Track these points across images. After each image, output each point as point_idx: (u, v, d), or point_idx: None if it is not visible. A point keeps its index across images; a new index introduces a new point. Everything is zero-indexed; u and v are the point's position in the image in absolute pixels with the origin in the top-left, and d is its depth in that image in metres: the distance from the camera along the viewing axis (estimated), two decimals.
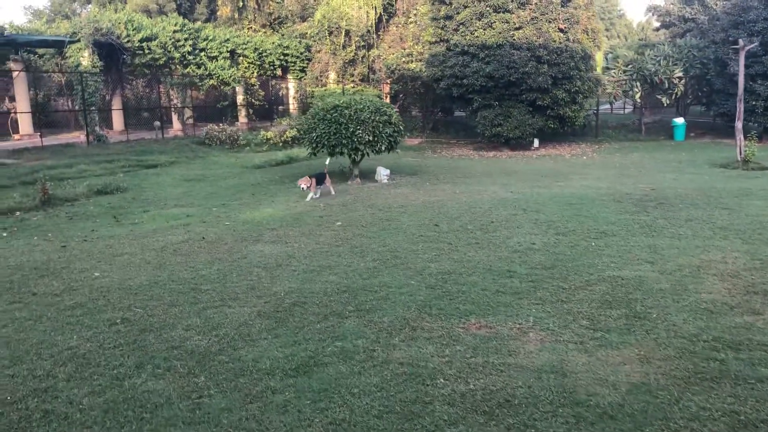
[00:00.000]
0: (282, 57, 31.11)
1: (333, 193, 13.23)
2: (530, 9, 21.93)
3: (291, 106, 32.94)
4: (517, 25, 21.83)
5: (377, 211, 11.18)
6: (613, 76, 26.55)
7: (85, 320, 5.92)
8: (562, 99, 22.17)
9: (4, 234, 10.24)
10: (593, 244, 8.25)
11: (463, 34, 22.58)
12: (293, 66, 31.85)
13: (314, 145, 15.07)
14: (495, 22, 21.95)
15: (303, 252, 8.32)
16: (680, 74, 25.83)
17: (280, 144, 23.62)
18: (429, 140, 26.05)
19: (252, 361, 4.89)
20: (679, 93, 26.43)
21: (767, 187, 12.80)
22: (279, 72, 31.68)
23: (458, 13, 22.79)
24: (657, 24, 53.27)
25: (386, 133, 14.85)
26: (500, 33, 21.83)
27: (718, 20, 26.65)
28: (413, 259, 7.77)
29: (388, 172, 15.52)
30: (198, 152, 22.30)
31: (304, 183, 12.73)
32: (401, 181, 15.20)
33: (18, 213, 12.12)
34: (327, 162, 14.31)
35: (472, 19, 22.39)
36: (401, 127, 15.60)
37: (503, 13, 22.09)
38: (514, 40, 21.73)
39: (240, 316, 5.88)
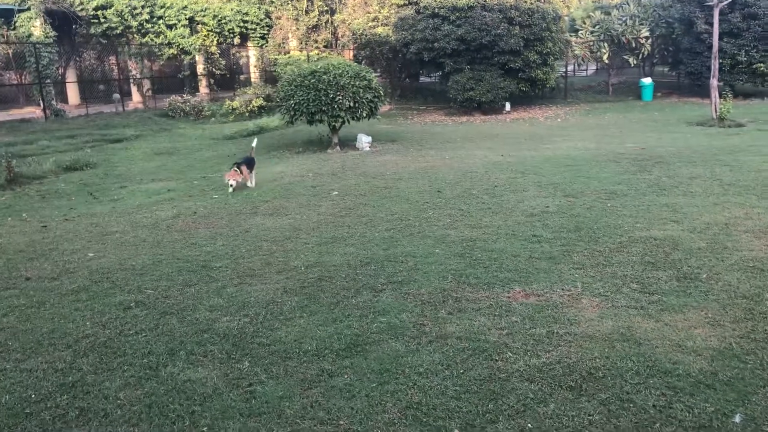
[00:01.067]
0: (242, 24, 29.95)
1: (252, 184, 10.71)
2: None
3: (253, 75, 31.91)
4: None
5: (371, 179, 10.76)
6: (580, 37, 26.38)
7: (95, 305, 5.41)
8: (534, 61, 21.83)
9: None
10: (608, 205, 8.02)
11: None
12: (253, 33, 30.72)
13: (292, 114, 14.51)
14: None
15: (308, 224, 7.89)
16: (647, 34, 25.78)
17: (247, 114, 22.80)
18: (398, 107, 25.50)
19: (294, 342, 4.50)
20: (645, 53, 26.42)
21: (756, 143, 12.81)
22: (238, 40, 30.56)
23: None
24: None
25: (366, 98, 14.37)
26: None
27: None
28: (428, 226, 7.42)
29: (369, 139, 15.05)
30: (162, 125, 21.39)
31: (233, 178, 10.24)
32: (383, 149, 14.75)
33: None
34: (254, 144, 12.11)
35: None
36: (381, 92, 15.11)
37: None
38: (485, 1, 21.26)
39: (265, 294, 5.45)
